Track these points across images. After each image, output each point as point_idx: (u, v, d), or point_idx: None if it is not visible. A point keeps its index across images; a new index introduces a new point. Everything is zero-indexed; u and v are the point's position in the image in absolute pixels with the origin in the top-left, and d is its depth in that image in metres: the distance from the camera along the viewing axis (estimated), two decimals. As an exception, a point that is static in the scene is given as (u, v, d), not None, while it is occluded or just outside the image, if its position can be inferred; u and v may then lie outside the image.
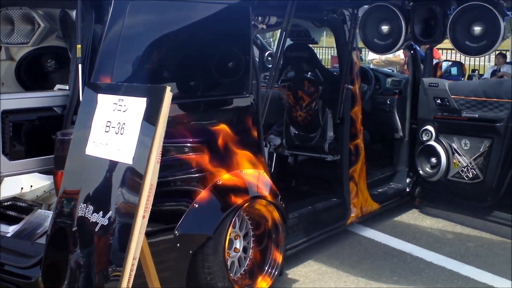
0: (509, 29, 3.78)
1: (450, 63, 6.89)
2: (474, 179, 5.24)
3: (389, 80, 6.19)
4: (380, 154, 6.28)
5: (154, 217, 2.87)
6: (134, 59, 3.49)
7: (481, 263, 4.72)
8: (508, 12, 3.80)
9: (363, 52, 11.02)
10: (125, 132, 2.71)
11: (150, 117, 2.64)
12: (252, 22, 4.13)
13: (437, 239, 5.27)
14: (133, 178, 2.71)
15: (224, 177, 3.77)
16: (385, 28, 4.06)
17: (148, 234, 2.82)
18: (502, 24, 3.62)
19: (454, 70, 6.58)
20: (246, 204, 3.86)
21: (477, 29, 3.70)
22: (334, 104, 4.99)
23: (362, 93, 5.56)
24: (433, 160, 5.49)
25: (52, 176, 3.42)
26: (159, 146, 2.55)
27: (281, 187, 4.63)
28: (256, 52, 6.22)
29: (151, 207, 2.66)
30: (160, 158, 2.60)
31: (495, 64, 13.00)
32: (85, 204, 2.86)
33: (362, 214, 5.24)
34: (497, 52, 13.12)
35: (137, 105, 2.69)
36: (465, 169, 5.28)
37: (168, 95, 2.56)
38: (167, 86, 2.63)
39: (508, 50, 14.05)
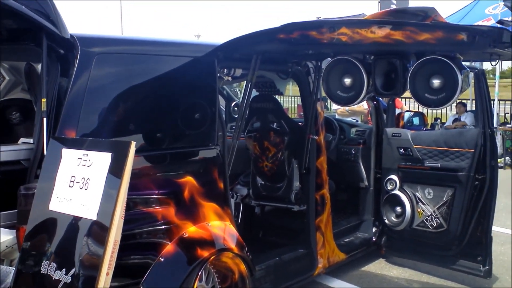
0: (467, 82, 3.88)
1: (412, 113, 7.06)
2: (438, 228, 5.30)
3: (353, 130, 6.29)
4: (346, 204, 6.33)
5: (119, 271, 2.82)
6: (100, 112, 3.49)
7: (447, 312, 4.75)
8: (465, 66, 3.90)
9: (328, 101, 11.19)
10: (89, 188, 2.69)
11: (115, 172, 2.63)
12: (218, 75, 4.18)
13: (403, 289, 5.29)
14: (97, 233, 2.68)
15: (190, 230, 3.75)
16: (347, 80, 4.13)
17: (112, 290, 2.77)
18: (460, 77, 3.71)
19: (416, 120, 6.75)
20: (213, 257, 3.83)
21: (436, 82, 3.78)
22: (300, 155, 5.03)
23: (327, 143, 5.64)
24: (398, 209, 5.55)
25: (15, 231, 3.35)
26: (123, 202, 2.54)
27: (248, 238, 4.60)
28: (222, 102, 6.29)
29: (115, 262, 2.63)
30: (124, 213, 2.58)
31: (456, 113, 13.38)
32: (48, 261, 2.81)
33: (329, 265, 5.23)
34: (457, 101, 13.52)
35: (102, 160, 2.68)
36: (429, 218, 5.34)
37: (133, 150, 2.56)
38: (132, 141, 2.63)
39: (469, 99, 14.47)
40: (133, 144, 2.60)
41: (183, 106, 3.96)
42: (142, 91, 3.74)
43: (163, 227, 3.62)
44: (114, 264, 2.60)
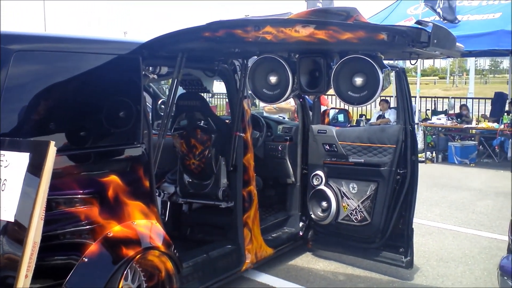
0: (388, 80, 4.00)
1: (337, 110, 7.22)
2: (362, 221, 5.43)
3: (280, 127, 6.36)
4: (273, 199, 6.39)
5: (41, 273, 2.77)
6: (19, 111, 3.39)
7: (371, 303, 4.89)
8: (386, 65, 4.02)
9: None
10: (6, 189, 2.61)
11: (33, 172, 2.56)
12: (143, 72, 4.14)
13: (329, 281, 5.39)
14: (16, 235, 2.60)
15: (115, 229, 3.70)
16: (273, 78, 4.18)
17: (34, 293, 2.71)
18: (381, 75, 3.82)
19: (341, 117, 6.90)
20: (138, 256, 3.80)
21: (358, 80, 3.88)
22: (227, 152, 5.06)
23: (254, 140, 5.68)
24: (324, 204, 5.65)
25: None
26: (42, 202, 2.47)
27: (176, 236, 4.59)
28: (149, 100, 6.22)
29: (35, 263, 2.56)
30: (44, 214, 2.52)
31: (380, 110, 13.79)
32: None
33: (257, 260, 5.28)
34: (381, 99, 13.94)
35: (20, 160, 2.60)
36: (354, 212, 5.47)
37: (52, 150, 2.50)
38: (51, 141, 2.57)
39: (392, 96, 14.90)
40: (53, 143, 2.54)
41: (107, 104, 3.90)
42: (64, 89, 3.66)
43: (87, 227, 3.56)
44: (34, 265, 2.54)
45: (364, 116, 15.44)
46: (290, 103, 8.98)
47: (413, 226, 5.34)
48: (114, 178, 3.77)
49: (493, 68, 71.27)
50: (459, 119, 13.08)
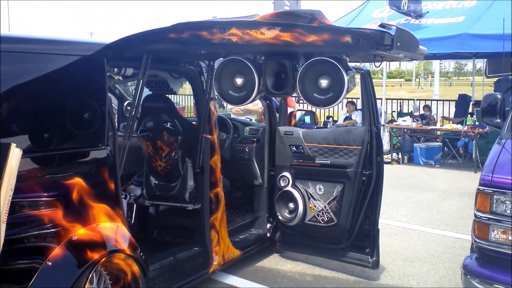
0: (353, 82, 4.04)
1: (303, 112, 7.27)
2: (329, 222, 5.46)
3: (247, 128, 6.36)
4: (240, 201, 6.39)
5: (4, 278, 2.73)
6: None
7: (337, 303, 4.94)
8: (351, 67, 4.07)
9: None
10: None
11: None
12: (108, 74, 4.10)
13: (297, 282, 5.42)
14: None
15: (80, 232, 3.67)
16: (239, 80, 4.19)
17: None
18: (346, 78, 3.86)
19: (307, 119, 6.95)
20: (104, 259, 3.76)
21: (324, 82, 3.91)
22: (194, 154, 5.04)
23: (221, 142, 5.68)
24: (291, 205, 5.67)
25: None
26: (4, 205, 2.43)
27: (143, 238, 4.56)
28: (115, 101, 6.16)
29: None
30: (6, 217, 2.48)
31: (347, 111, 13.91)
32: None
33: (224, 262, 5.28)
34: (347, 100, 14.08)
35: (-20, 163, 2.56)
36: (321, 213, 5.50)
37: (15, 152, 2.46)
38: (12, 143, 2.54)
39: (358, 98, 15.03)
40: (14, 145, 2.50)
41: (71, 106, 3.86)
42: (26, 91, 3.61)
43: (51, 230, 3.53)
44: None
45: (331, 118, 15.55)
46: (257, 105, 8.99)
47: (379, 227, 5.40)
48: (78, 181, 3.73)
49: (457, 70, 72.56)
50: (424, 121, 13.27)
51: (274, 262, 5.97)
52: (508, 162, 4.17)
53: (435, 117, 14.44)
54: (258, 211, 6.20)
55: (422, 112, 14.40)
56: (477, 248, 4.19)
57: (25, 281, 3.36)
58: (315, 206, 5.54)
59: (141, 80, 4.19)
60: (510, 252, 3.93)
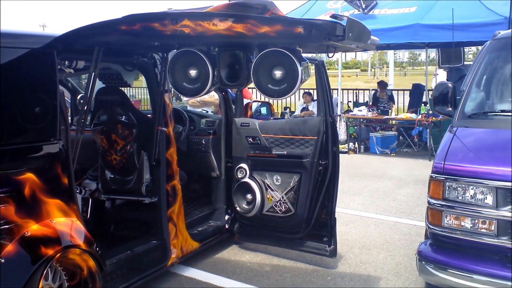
0: (307, 72, 4.08)
1: (259, 103, 7.29)
2: (286, 212, 5.50)
3: (203, 120, 6.34)
4: (198, 193, 6.39)
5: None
6: None
7: (296, 292, 4.99)
8: (305, 58, 4.10)
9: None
10: None
11: None
12: (58, 67, 4.03)
13: (256, 272, 5.45)
14: None
15: (33, 228, 3.61)
16: (193, 72, 4.18)
17: None
18: (300, 68, 3.89)
19: (263, 110, 6.98)
20: (59, 255, 3.72)
21: (278, 73, 3.94)
22: (149, 147, 5.00)
23: (177, 134, 5.65)
24: (249, 196, 5.68)
25: None
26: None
27: (99, 233, 4.51)
28: (68, 95, 6.06)
29: None
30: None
31: (304, 102, 14.00)
32: None
33: (182, 254, 5.27)
34: (304, 91, 14.17)
35: None
36: (278, 203, 5.53)
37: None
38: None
39: (315, 89, 15.12)
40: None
41: (21, 100, 3.77)
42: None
43: (3, 227, 3.46)
44: None
45: (288, 109, 15.64)
46: (214, 97, 8.99)
47: (336, 216, 5.46)
48: (30, 176, 3.67)
49: (411, 60, 73.91)
50: (379, 110, 13.41)
51: (233, 253, 5.98)
52: (459, 149, 4.27)
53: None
54: (216, 203, 6.20)
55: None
56: (431, 234, 4.29)
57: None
58: (272, 197, 5.56)
59: (93, 73, 4.12)
60: (463, 238, 4.02)
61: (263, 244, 5.96)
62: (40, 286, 3.56)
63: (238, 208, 5.77)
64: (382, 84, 14.47)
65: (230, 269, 5.51)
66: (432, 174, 4.19)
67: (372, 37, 4.27)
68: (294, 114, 14.09)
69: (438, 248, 4.23)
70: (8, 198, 3.52)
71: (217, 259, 5.80)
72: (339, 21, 3.69)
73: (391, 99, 14.03)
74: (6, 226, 3.48)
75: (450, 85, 5.03)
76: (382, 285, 5.13)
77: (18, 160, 3.76)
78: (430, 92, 12.38)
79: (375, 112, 13.17)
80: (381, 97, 14.01)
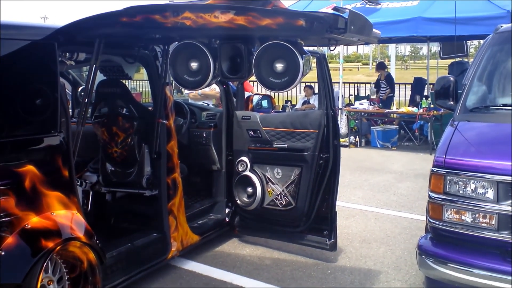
0: (308, 65, 4.07)
1: (261, 96, 7.27)
2: (287, 206, 5.49)
3: (204, 113, 6.33)
4: (199, 186, 6.38)
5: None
6: None
7: (297, 286, 4.97)
8: (306, 51, 4.09)
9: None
10: None
11: None
12: (59, 59, 4.02)
13: (256, 266, 5.45)
14: None
15: (33, 221, 3.61)
16: (194, 65, 4.17)
17: None
18: (301, 61, 3.88)
19: (265, 103, 6.96)
20: (59, 247, 3.72)
21: (279, 66, 3.93)
22: (150, 139, 4.99)
23: (178, 127, 5.64)
24: (249, 189, 5.67)
25: None
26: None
27: (100, 226, 4.51)
28: (69, 87, 6.05)
29: None
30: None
31: (305, 95, 13.97)
32: None
33: (183, 247, 5.27)
34: (305, 84, 14.14)
35: None
36: (279, 196, 5.53)
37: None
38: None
39: (316, 82, 15.09)
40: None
41: (22, 92, 3.76)
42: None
43: (3, 219, 3.46)
44: None
45: (289, 102, 15.61)
46: (215, 90, 8.96)
47: (336, 209, 5.46)
48: (31, 168, 3.66)
49: (413, 54, 73.70)
50: (380, 98, 13.39)
51: (233, 246, 5.98)
52: (461, 143, 4.25)
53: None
54: (217, 196, 6.19)
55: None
56: (431, 228, 4.28)
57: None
58: (273, 190, 5.56)
59: (94, 65, 4.11)
60: (464, 232, 4.01)
61: (264, 238, 5.96)
62: (40, 278, 3.56)
63: (238, 202, 5.76)
64: (380, 65, 14.58)
65: (230, 262, 5.51)
66: (433, 168, 4.18)
67: (374, 30, 4.26)
68: (295, 107, 14.06)
69: (438, 242, 4.22)
70: (9, 190, 3.52)
71: (218, 252, 5.80)
72: (341, 14, 3.67)
73: (389, 81, 14.10)
74: (7, 219, 3.48)
75: (452, 78, 5.01)
76: (382, 279, 5.13)
77: (19, 152, 3.75)
78: (432, 86, 12.38)
79: (376, 105, 13.15)
80: (381, 79, 14.12)
